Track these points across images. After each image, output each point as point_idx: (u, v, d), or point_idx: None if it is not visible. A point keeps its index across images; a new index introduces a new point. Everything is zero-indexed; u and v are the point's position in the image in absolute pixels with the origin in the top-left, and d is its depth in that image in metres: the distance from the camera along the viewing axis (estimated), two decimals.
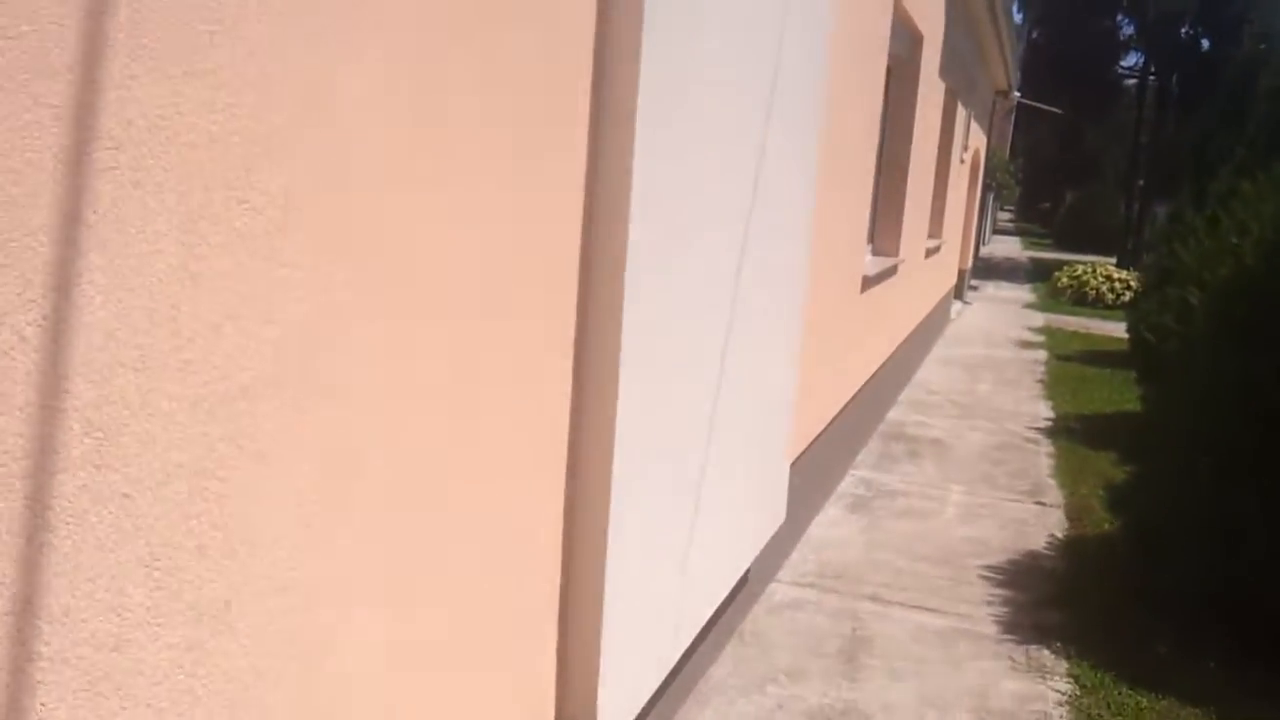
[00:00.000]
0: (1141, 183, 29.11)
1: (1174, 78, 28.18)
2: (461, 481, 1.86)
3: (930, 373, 10.33)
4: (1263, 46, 16.41)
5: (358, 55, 1.43)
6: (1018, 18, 20.65)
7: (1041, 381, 10.41)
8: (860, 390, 6.59)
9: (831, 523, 5.49)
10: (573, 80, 2.10)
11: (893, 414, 8.27)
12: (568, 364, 2.24)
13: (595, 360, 2.31)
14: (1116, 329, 13.18)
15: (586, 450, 2.34)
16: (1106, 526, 5.62)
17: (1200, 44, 27.03)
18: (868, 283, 6.32)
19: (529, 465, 2.13)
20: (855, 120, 5.21)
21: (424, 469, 1.73)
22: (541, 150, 2.01)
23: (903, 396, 8.98)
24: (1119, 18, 28.57)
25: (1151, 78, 29.21)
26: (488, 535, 1.99)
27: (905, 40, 6.98)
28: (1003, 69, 15.50)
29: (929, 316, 11.06)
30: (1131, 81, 30.93)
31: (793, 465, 4.56)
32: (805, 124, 3.86)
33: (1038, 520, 5.83)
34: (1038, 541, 5.46)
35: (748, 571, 3.94)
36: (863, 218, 6.06)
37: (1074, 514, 5.97)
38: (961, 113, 11.60)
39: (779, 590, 4.53)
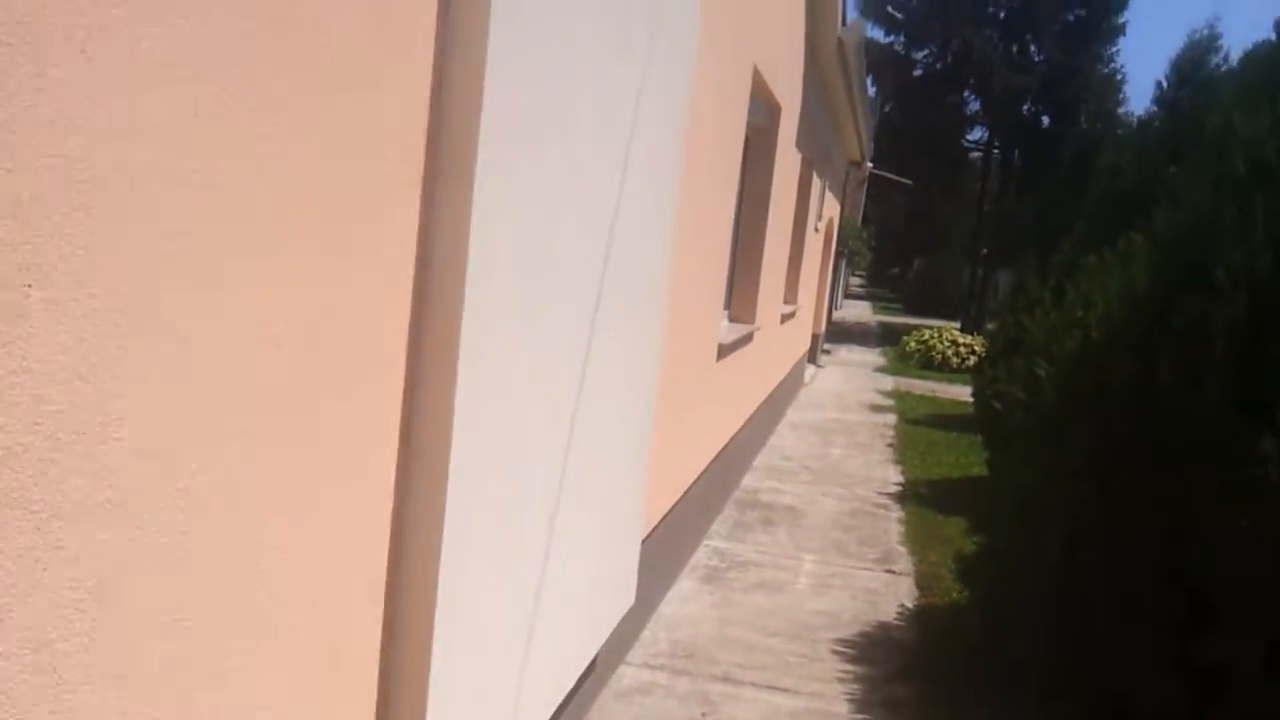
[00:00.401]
0: (985, 251, 30.40)
1: (1016, 152, 29.64)
2: (252, 600, 1.64)
3: (785, 438, 10.38)
4: (1099, 125, 17.40)
5: (130, 105, 1.24)
6: (871, 91, 21.39)
7: (891, 445, 10.57)
8: (716, 458, 6.52)
9: (684, 598, 5.35)
10: (402, 132, 1.93)
11: (748, 480, 8.23)
12: (390, 452, 2.04)
13: (423, 447, 2.11)
14: (962, 392, 13.57)
15: (410, 550, 2.13)
16: (955, 595, 5.64)
17: (1040, 121, 28.55)
18: (724, 350, 6.28)
19: (339, 570, 1.92)
20: (713, 188, 5.17)
21: (208, 592, 1.50)
22: (363, 212, 1.83)
23: (758, 462, 8.96)
24: (966, 94, 29.92)
25: (995, 151, 30.64)
26: (285, 658, 1.76)
27: (763, 110, 7.04)
28: (857, 140, 15.95)
29: (784, 381, 11.15)
30: (977, 155, 32.38)
31: (647, 538, 4.41)
32: (662, 191, 3.77)
33: (888, 589, 5.81)
34: (889, 612, 5.43)
35: (595, 658, 3.75)
36: (719, 285, 6.02)
37: (924, 582, 5.98)
38: (817, 182, 11.84)
39: (628, 674, 4.35)
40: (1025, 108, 28.71)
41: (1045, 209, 13.58)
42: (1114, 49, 27.47)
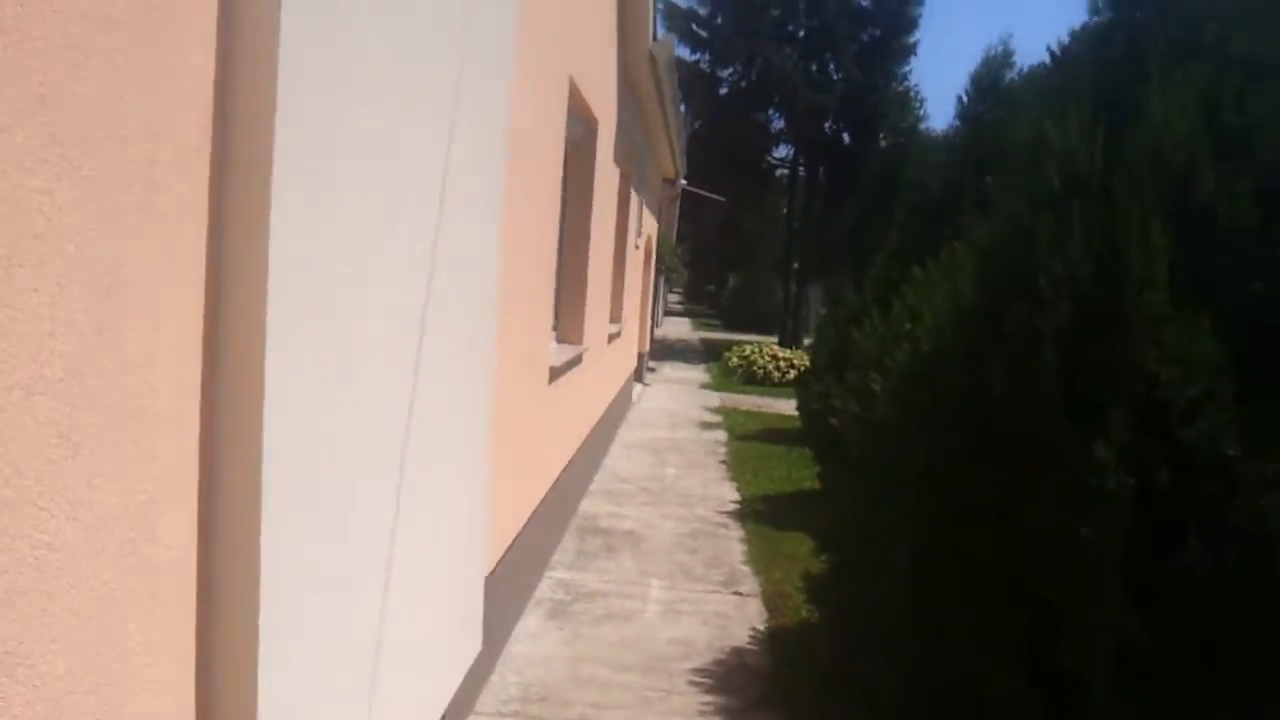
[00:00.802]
0: (796, 266, 31.17)
1: (820, 169, 30.52)
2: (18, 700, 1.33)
3: (619, 459, 10.23)
4: (901, 140, 18.09)
5: None
6: (681, 109, 21.61)
7: (725, 463, 10.56)
8: (553, 486, 6.29)
9: (532, 635, 5.08)
10: (184, 132, 1.65)
11: (585, 505, 8.03)
12: (186, 516, 1.74)
13: (226, 511, 1.81)
14: (786, 406, 13.76)
15: (222, 627, 1.83)
16: (804, 614, 5.56)
17: (842, 138, 29.45)
18: (555, 373, 6.07)
19: (137, 658, 1.61)
20: (535, 204, 4.96)
21: None
22: (129, 233, 1.54)
23: (594, 485, 8.77)
24: (770, 112, 30.62)
25: (801, 168, 31.48)
26: None
27: (581, 124, 6.89)
28: (670, 157, 16.04)
29: (615, 401, 11.01)
30: (783, 171, 33.21)
31: (489, 575, 4.15)
32: (484, 208, 3.53)
33: (738, 612, 5.71)
34: (741, 637, 5.31)
35: (443, 715, 3.46)
36: (547, 307, 5.82)
37: (771, 602, 5.90)
38: (635, 199, 11.79)
39: None
40: (827, 125, 29.58)
41: (857, 223, 13.95)
42: (906, 68, 28.65)
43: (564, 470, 6.80)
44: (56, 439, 1.36)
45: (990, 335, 4.32)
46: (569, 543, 6.87)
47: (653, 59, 9.34)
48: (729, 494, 8.96)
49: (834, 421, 5.78)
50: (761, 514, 8.16)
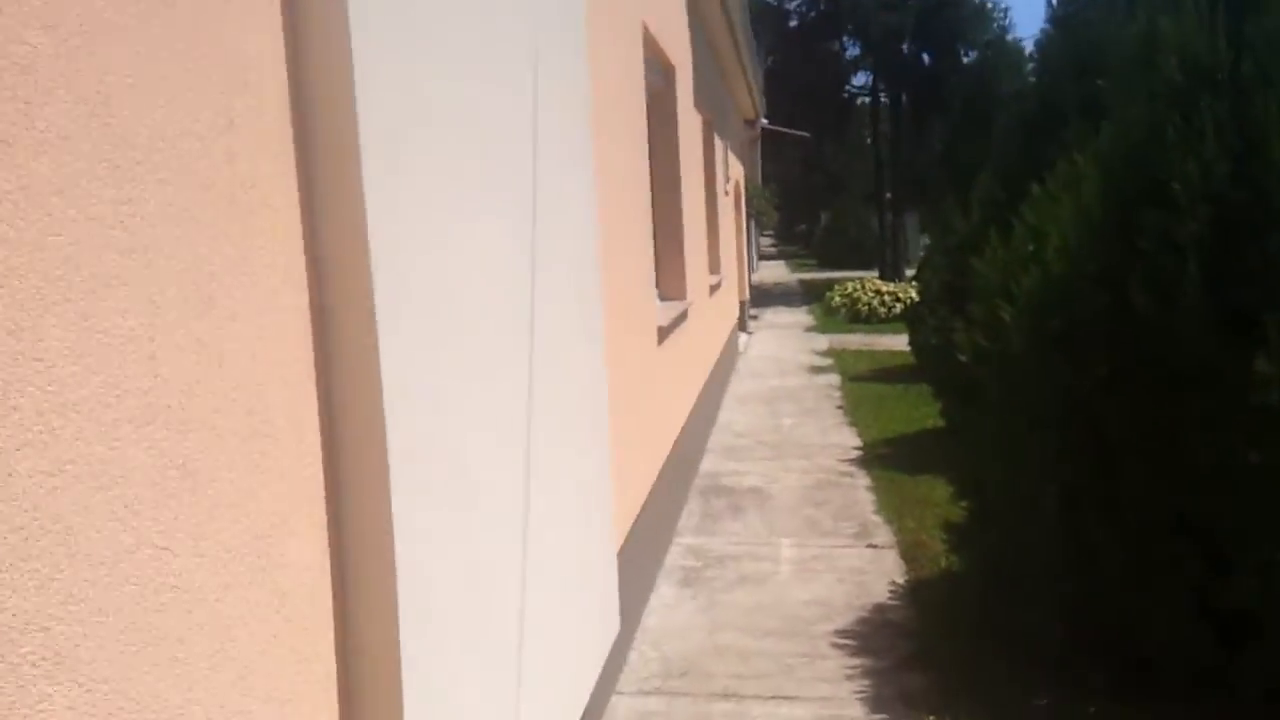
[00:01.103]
0: (889, 196, 30.40)
1: (903, 94, 29.59)
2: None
3: (732, 412, 10.05)
4: (989, 54, 17.36)
5: None
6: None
7: (841, 407, 10.28)
8: (673, 449, 6.14)
9: (666, 606, 4.96)
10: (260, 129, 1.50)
11: (706, 464, 7.88)
12: (317, 535, 1.62)
13: (356, 526, 1.71)
14: (895, 342, 13.38)
15: (361, 664, 1.72)
16: (943, 563, 5.33)
17: (922, 59, 28.48)
18: (663, 333, 5.91)
19: (280, 678, 1.50)
20: (624, 158, 4.76)
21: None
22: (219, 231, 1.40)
23: (711, 443, 8.61)
24: (844, 40, 29.80)
25: (882, 95, 30.60)
26: None
27: (659, 71, 6.65)
28: (749, 97, 15.67)
29: (722, 354, 10.83)
30: (864, 100, 32.34)
31: (618, 553, 4.01)
32: (577, 175, 3.36)
33: (874, 566, 5.49)
34: (880, 592, 5.10)
35: (588, 704, 3.35)
36: (647, 265, 5.63)
37: (908, 553, 5.66)
38: (719, 143, 11.50)
39: (622, 705, 3.94)
40: (904, 47, 28.63)
41: (951, 145, 13.41)
42: None
43: (681, 431, 6.65)
44: (174, 471, 1.25)
45: (1125, 250, 4.01)
46: (694, 505, 6.73)
47: None
48: (849, 440, 8.71)
49: (962, 358, 5.47)
50: (886, 458, 7.90)
